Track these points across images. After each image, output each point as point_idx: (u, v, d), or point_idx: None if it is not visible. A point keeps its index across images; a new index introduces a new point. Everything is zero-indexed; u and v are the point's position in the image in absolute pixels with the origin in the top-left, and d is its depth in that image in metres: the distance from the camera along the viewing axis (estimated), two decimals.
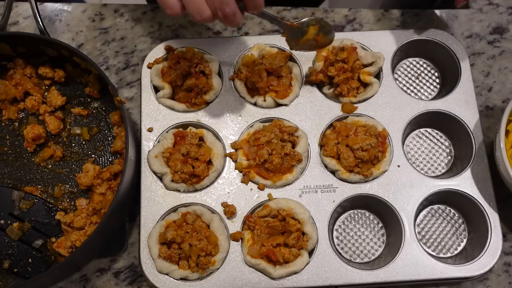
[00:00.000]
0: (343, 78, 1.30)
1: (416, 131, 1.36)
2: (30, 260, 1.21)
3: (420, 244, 1.21)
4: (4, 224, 1.22)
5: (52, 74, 1.35)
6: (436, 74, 1.42)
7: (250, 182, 1.27)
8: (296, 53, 1.36)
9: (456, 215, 1.30)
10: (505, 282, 1.26)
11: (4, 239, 1.21)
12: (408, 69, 1.42)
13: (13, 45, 1.31)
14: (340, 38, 1.36)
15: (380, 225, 1.29)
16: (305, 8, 1.48)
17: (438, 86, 1.41)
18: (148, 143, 1.29)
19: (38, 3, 1.29)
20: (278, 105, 1.33)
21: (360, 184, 1.26)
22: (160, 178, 1.26)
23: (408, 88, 1.40)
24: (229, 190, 1.26)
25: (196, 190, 1.26)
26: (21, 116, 1.36)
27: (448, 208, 1.30)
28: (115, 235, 1.26)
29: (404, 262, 1.20)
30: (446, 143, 1.35)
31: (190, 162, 1.24)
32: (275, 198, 1.25)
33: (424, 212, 1.29)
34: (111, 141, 1.33)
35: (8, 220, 1.23)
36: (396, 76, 1.41)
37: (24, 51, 1.33)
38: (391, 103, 1.33)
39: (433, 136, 1.36)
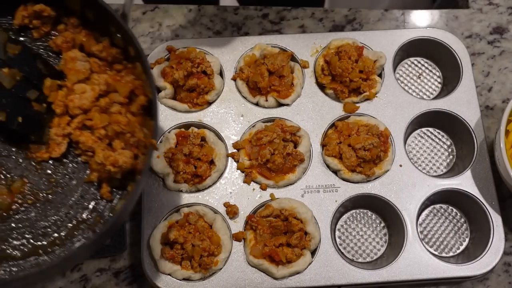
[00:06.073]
0: (359, 78, 1.31)
1: (418, 131, 1.36)
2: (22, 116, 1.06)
3: (423, 244, 1.21)
4: None
5: (106, 54, 1.13)
6: (438, 74, 1.42)
7: (252, 182, 1.26)
8: (297, 53, 1.36)
9: (458, 214, 1.30)
10: (505, 282, 1.26)
11: None
12: (410, 68, 1.42)
13: (86, 4, 1.10)
14: (340, 37, 1.37)
15: (382, 224, 1.29)
16: (305, 8, 1.48)
17: (439, 85, 1.41)
18: None
19: None
20: (280, 105, 1.33)
21: (362, 183, 1.27)
22: (163, 179, 1.26)
23: (409, 88, 1.40)
24: (231, 190, 1.26)
25: (198, 190, 1.25)
26: None
27: (450, 207, 1.30)
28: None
29: (406, 261, 1.20)
30: (448, 143, 1.36)
31: (192, 162, 1.24)
32: (277, 198, 1.24)
33: (426, 211, 1.29)
34: None
35: None
36: (397, 75, 1.41)
37: (92, 19, 1.11)
38: (393, 103, 1.33)
39: (435, 136, 1.36)
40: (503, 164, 1.16)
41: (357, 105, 1.32)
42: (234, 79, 1.35)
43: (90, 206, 1.06)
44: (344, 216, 1.29)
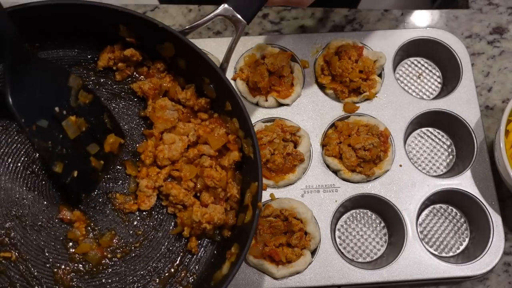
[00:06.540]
0: (359, 78, 1.31)
1: (418, 131, 1.36)
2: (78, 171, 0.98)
3: (422, 244, 1.22)
4: (59, 114, 0.95)
5: (193, 103, 1.11)
6: (438, 74, 1.42)
7: None
8: (297, 53, 1.36)
9: (458, 214, 1.30)
10: (505, 282, 1.26)
11: (57, 134, 0.95)
12: (410, 68, 1.42)
13: (180, 52, 1.06)
14: (340, 37, 1.37)
15: (382, 224, 1.29)
16: (305, 8, 1.48)
17: (439, 85, 1.41)
18: None
19: None
20: (280, 105, 1.32)
21: (362, 183, 1.27)
22: None
23: (409, 88, 1.40)
24: None
25: None
26: None
27: (450, 207, 1.30)
28: None
29: (406, 261, 1.20)
30: (448, 143, 1.36)
31: None
32: (277, 198, 1.24)
33: (426, 211, 1.30)
34: None
35: (64, 110, 0.95)
36: (397, 76, 1.41)
37: (183, 67, 1.09)
38: (393, 103, 1.33)
39: (435, 136, 1.36)
40: (503, 164, 1.16)
41: (357, 105, 1.32)
42: (234, 79, 1.35)
43: (177, 260, 1.03)
44: (344, 216, 1.29)
